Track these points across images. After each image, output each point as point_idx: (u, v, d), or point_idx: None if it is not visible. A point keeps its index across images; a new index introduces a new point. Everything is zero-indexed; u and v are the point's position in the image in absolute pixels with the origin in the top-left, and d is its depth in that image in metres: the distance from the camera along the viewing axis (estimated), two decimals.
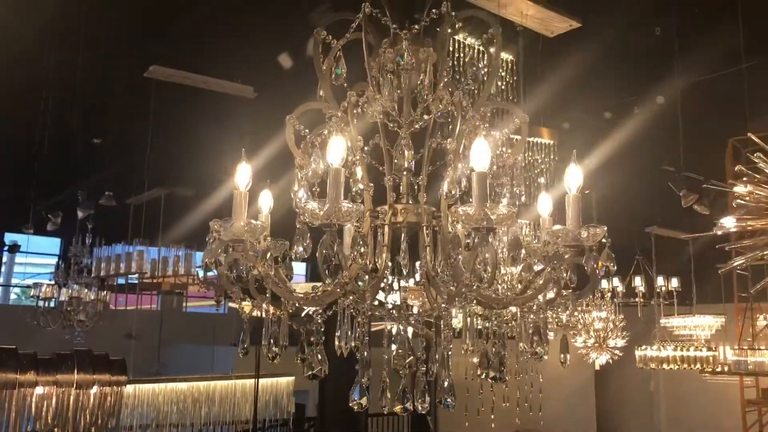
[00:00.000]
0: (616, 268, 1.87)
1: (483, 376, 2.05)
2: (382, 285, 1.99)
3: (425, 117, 1.98)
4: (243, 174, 1.97)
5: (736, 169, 4.16)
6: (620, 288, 10.42)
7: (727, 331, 11.39)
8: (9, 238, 14.87)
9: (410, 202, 2.06)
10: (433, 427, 14.18)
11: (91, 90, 7.96)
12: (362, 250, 1.77)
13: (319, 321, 2.00)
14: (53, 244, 16.52)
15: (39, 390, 4.61)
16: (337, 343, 1.89)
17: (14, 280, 18.57)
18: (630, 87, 9.17)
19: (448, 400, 1.98)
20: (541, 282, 1.90)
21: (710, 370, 10.58)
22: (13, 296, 18.85)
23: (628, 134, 9.15)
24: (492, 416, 5.29)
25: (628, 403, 16.01)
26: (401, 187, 2.09)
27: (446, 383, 1.95)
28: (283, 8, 6.58)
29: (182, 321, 17.17)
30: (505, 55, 5.68)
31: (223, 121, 8.28)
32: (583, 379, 15.43)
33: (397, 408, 1.99)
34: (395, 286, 2.07)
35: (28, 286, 16.98)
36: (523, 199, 2.07)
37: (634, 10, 7.95)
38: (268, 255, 1.99)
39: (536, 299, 1.96)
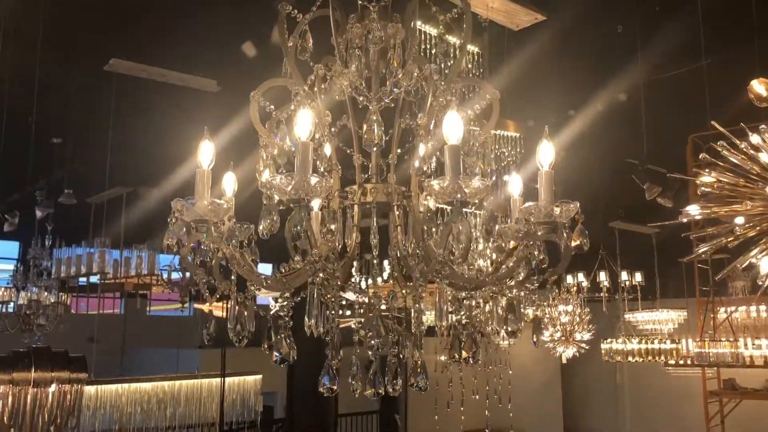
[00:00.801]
0: (589, 245, 1.84)
1: (455, 359, 2.01)
2: (351, 285, 1.94)
3: (395, 91, 1.92)
4: (206, 152, 1.90)
5: (700, 156, 4.20)
6: (585, 283, 10.54)
7: (690, 325, 11.62)
8: None
9: (380, 181, 2.02)
10: (402, 426, 14.17)
11: (51, 86, 7.74)
12: (332, 227, 1.71)
13: (286, 306, 1.93)
14: (11, 248, 16.10)
15: None
16: (306, 322, 1.82)
17: None
18: (594, 82, 9.26)
19: (420, 382, 1.94)
20: (514, 260, 1.87)
21: (673, 362, 10.79)
22: None
23: (591, 129, 9.25)
24: (462, 409, 5.27)
25: (594, 396, 16.21)
26: (371, 167, 2.04)
27: (418, 363, 1.91)
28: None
29: (146, 324, 16.83)
30: (471, 47, 5.67)
31: (186, 115, 8.13)
32: (549, 374, 15.58)
33: (368, 392, 1.94)
34: (363, 285, 2.01)
35: None
36: (494, 178, 2.03)
37: (597, 6, 8.03)
38: (233, 239, 1.93)
39: (509, 279, 1.92)
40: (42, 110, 8.18)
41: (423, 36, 5.27)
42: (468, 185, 1.64)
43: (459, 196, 1.61)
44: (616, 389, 16.01)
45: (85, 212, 9.91)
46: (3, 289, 10.40)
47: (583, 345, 9.51)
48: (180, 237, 1.86)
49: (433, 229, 1.83)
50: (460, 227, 1.64)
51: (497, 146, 5.95)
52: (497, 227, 1.81)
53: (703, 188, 3.97)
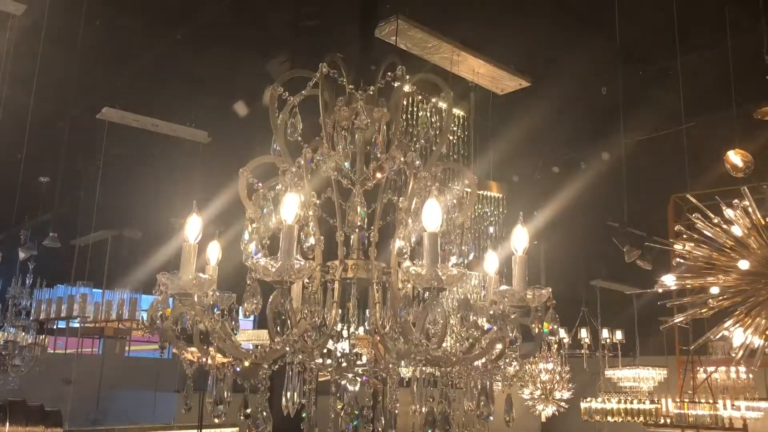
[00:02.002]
0: (559, 329, 1.91)
1: None
2: (332, 332, 1.99)
3: (378, 176, 2.01)
4: (193, 226, 1.96)
5: (676, 228, 4.32)
6: (566, 339, 10.58)
7: (669, 383, 11.63)
8: None
9: (361, 257, 2.09)
10: None
11: (41, 128, 7.81)
12: (312, 309, 1.77)
13: (264, 377, 1.98)
14: None
15: None
16: (284, 402, 1.86)
17: None
18: (577, 143, 9.47)
19: None
20: (487, 341, 1.93)
21: (653, 422, 10.76)
22: None
23: (575, 188, 9.42)
24: None
25: None
26: (352, 242, 2.11)
27: None
28: (239, 54, 6.63)
29: (124, 366, 16.58)
30: (457, 111, 5.82)
31: (175, 164, 8.22)
32: (531, 429, 15.43)
33: None
34: (344, 334, 2.07)
35: None
36: (471, 256, 2.11)
37: (582, 70, 8.26)
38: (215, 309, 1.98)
39: (483, 358, 1.98)
40: (31, 149, 8.25)
41: (410, 99, 5.42)
42: (444, 272, 1.71)
43: (436, 283, 1.68)
44: None
45: (68, 253, 9.88)
46: None
47: (563, 404, 9.51)
48: (163, 311, 1.91)
49: (411, 309, 1.89)
50: (438, 312, 1.70)
51: (480, 206, 6.08)
52: (470, 312, 1.88)
53: (678, 259, 4.08)
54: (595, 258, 10.98)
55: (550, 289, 1.93)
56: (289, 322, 1.74)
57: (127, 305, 9.09)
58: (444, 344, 2.04)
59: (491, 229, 6.46)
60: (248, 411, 2.04)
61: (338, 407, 1.93)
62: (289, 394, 1.88)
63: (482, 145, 6.57)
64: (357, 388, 1.98)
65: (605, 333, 11.00)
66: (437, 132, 2.15)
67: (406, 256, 1.95)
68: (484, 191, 6.34)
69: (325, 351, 1.99)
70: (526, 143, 8.26)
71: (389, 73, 2.09)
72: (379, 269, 2.06)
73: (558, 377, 9.58)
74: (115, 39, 6.34)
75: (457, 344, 1.98)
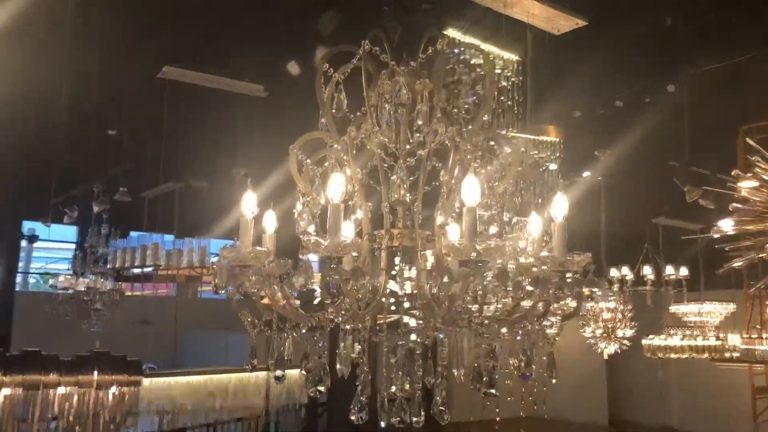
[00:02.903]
0: (622, 267, 1.99)
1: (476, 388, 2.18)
2: (394, 273, 2.13)
3: (419, 153, 2.09)
4: (249, 202, 2.11)
5: (733, 173, 4.24)
6: (629, 276, 10.50)
7: (736, 318, 11.45)
8: (27, 226, 15.13)
9: (407, 226, 2.19)
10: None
11: (107, 86, 8.11)
12: (361, 281, 1.90)
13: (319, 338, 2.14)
14: (71, 231, 16.77)
15: (61, 390, 4.85)
16: (338, 366, 2.02)
17: (35, 265, 18.95)
18: (638, 79, 9.18)
19: (445, 416, 2.13)
20: (530, 304, 2.03)
21: (719, 358, 10.67)
22: (32, 280, 19.24)
23: (637, 125, 9.19)
24: (497, 410, 5.41)
25: (640, 390, 16.00)
26: (398, 212, 2.21)
27: (440, 397, 2.09)
28: (295, 6, 6.67)
29: (198, 308, 17.39)
30: (511, 56, 5.75)
31: (234, 118, 8.43)
32: (594, 367, 15.43)
33: (394, 420, 2.13)
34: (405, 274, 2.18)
35: (47, 274, 17.34)
36: (514, 220, 2.19)
37: (644, 3, 7.96)
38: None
39: (526, 319, 2.08)
40: (99, 104, 8.58)
41: (462, 49, 5.39)
42: (483, 244, 1.80)
43: (474, 255, 1.77)
44: (663, 382, 15.81)
45: (139, 204, 10.36)
46: (64, 276, 10.96)
47: (625, 342, 9.54)
48: (226, 280, 2.08)
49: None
50: (476, 283, 1.80)
51: (536, 152, 6.05)
52: (508, 281, 1.96)
53: (736, 205, 4.02)
54: (658, 196, 10.77)
55: (590, 255, 2.00)
56: (340, 292, 1.88)
57: (196, 252, 9.53)
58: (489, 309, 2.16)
59: (553, 166, 6.42)
60: (308, 366, 2.22)
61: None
62: (341, 359, 2.04)
63: (540, 88, 6.48)
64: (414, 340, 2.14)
65: (669, 269, 10.85)
66: (477, 101, 2.20)
67: (448, 227, 2.05)
68: (540, 136, 6.30)
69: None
70: (586, 83, 8.09)
71: (430, 47, 2.14)
72: (423, 237, 2.16)
73: (620, 315, 9.58)
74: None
75: (500, 306, 2.08)
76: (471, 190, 1.83)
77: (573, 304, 2.19)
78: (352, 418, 2.15)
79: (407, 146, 2.11)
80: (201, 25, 6.82)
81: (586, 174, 10.55)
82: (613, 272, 10.38)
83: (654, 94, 9.63)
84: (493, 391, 2.00)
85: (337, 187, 1.84)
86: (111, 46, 7.49)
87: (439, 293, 2.01)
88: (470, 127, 2.17)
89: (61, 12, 6.65)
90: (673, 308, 11.20)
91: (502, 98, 5.59)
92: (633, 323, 9.61)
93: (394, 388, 1.94)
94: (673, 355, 10.22)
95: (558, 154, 6.20)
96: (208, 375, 6.48)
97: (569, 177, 9.60)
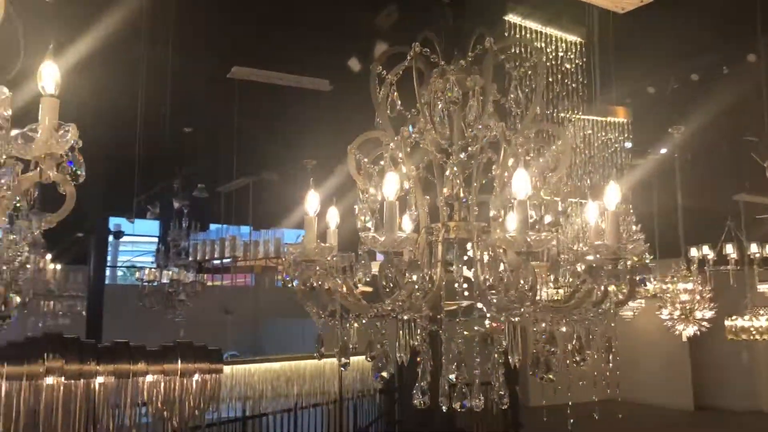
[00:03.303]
0: (653, 278, 2.02)
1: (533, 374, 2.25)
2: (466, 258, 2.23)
3: (469, 150, 2.17)
4: (312, 201, 2.23)
5: None
6: (711, 255, 10.17)
7: None
8: (113, 223, 15.95)
9: (462, 219, 2.27)
10: (524, 396, 14.37)
11: (181, 88, 8.46)
12: (419, 273, 1.99)
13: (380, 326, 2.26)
14: (154, 226, 17.56)
15: (149, 378, 5.20)
16: (397, 354, 2.13)
17: (122, 259, 19.94)
18: (711, 52, 8.86)
19: (504, 400, 2.21)
20: (584, 292, 2.08)
21: None
22: (119, 273, 20.27)
23: (711, 101, 8.88)
24: (569, 394, 5.43)
25: (727, 373, 15.35)
26: (454, 205, 2.30)
27: (497, 383, 2.18)
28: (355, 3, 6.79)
29: (275, 296, 17.91)
30: (574, 38, 5.68)
31: (302, 110, 8.64)
32: (677, 350, 14.96)
33: (456, 404, 2.23)
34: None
35: (133, 267, 18.23)
36: (569, 210, 2.23)
37: None
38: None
39: (581, 307, 2.13)
40: (174, 102, 8.97)
41: (524, 31, 5.38)
42: (535, 236, 1.86)
43: (525, 248, 1.84)
44: (750, 364, 15.17)
45: (216, 198, 10.78)
46: (149, 269, 11.52)
47: (705, 324, 9.27)
48: (294, 275, 2.22)
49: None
50: (527, 273, 1.87)
51: (604, 133, 5.97)
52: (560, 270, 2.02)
53: None
54: (738, 171, 10.37)
55: (643, 242, 2.03)
56: (397, 285, 1.98)
57: (272, 243, 9.87)
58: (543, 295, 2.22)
59: (629, 145, 6.32)
60: (372, 353, 2.34)
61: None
62: (401, 347, 2.15)
63: (606, 68, 6.37)
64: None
65: (754, 248, 10.44)
66: (529, 93, 2.25)
67: (500, 220, 2.12)
68: (608, 117, 6.21)
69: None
70: (655, 60, 7.87)
71: (478, 46, 2.20)
72: (479, 229, 2.24)
73: (698, 297, 9.31)
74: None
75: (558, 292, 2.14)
76: (521, 183, 1.90)
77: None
78: (415, 402, 2.26)
79: (460, 142, 2.19)
80: (266, 24, 7.03)
81: (662, 151, 10.28)
82: (694, 252, 10.08)
83: (731, 65, 9.27)
84: (550, 376, 2.06)
85: (391, 185, 1.94)
86: (184, 48, 7.81)
87: (494, 282, 2.09)
88: (522, 120, 2.23)
89: (139, 18, 6.98)
90: (761, 287, 10.77)
91: (566, 81, 5.54)
92: (712, 304, 9.32)
93: (453, 375, 2.03)
94: (758, 337, 9.86)
95: (627, 135, 6.09)
96: (286, 362, 6.75)
97: (643, 155, 9.38)
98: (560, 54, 5.48)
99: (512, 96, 2.18)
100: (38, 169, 1.57)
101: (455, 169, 2.16)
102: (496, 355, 2.23)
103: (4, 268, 3.71)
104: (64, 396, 4.84)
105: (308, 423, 7.87)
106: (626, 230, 5.46)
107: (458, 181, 2.15)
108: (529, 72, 2.35)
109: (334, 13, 6.67)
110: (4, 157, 1.46)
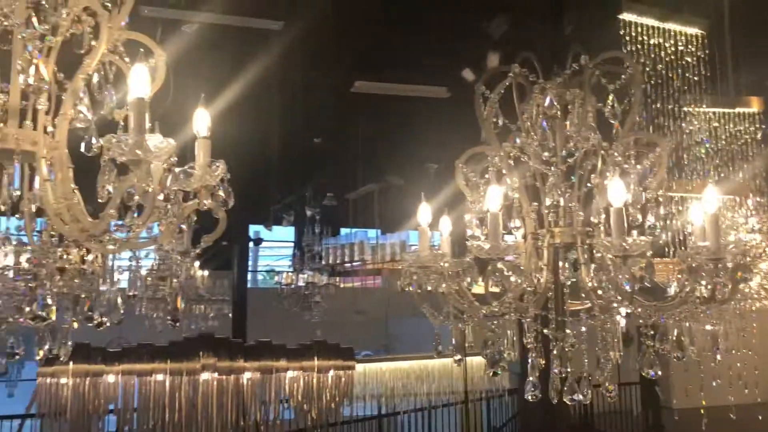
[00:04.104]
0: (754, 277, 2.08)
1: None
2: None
3: (569, 160, 2.32)
4: (424, 213, 2.47)
5: None
6: None
7: None
8: (253, 230, 17.03)
9: (567, 224, 2.42)
10: (666, 398, 13.79)
11: (308, 102, 8.99)
12: (522, 277, 2.18)
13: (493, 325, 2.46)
14: (289, 232, 18.54)
15: (290, 374, 5.70)
16: (506, 352, 2.33)
17: (261, 263, 21.20)
18: None
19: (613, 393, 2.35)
20: (686, 291, 2.17)
21: None
22: (260, 277, 21.55)
23: None
24: (702, 393, 5.35)
25: None
26: (558, 212, 2.45)
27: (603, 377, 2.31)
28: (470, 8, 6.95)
29: (403, 296, 18.28)
30: (694, 30, 5.55)
31: (420, 116, 8.92)
32: None
33: (566, 399, 2.39)
34: None
35: (272, 271, 19.33)
36: (660, 224, 2.32)
37: None
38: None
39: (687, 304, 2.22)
40: (304, 115, 9.53)
41: (640, 28, 5.33)
42: (631, 242, 2.00)
43: (621, 252, 1.98)
44: None
45: (345, 205, 11.31)
46: (286, 273, 12.27)
47: None
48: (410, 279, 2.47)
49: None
50: (625, 275, 2.01)
51: (733, 125, 5.76)
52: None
53: None
54: None
55: (747, 245, 2.09)
56: (504, 287, 2.18)
57: (398, 246, 10.25)
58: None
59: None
60: (487, 351, 2.55)
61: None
62: (508, 345, 2.34)
63: (733, 58, 6.13)
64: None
65: None
66: (627, 104, 2.36)
67: (600, 227, 2.25)
68: (738, 108, 5.98)
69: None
70: None
71: (574, 64, 2.35)
72: (582, 233, 2.38)
73: None
74: (356, 14, 7.09)
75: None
76: (617, 192, 2.03)
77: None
78: (527, 397, 2.44)
79: (561, 153, 2.34)
80: (385, 37, 7.36)
81: None
82: None
83: None
84: (651, 372, 2.17)
85: (494, 198, 2.14)
86: (312, 65, 8.30)
87: (597, 284, 2.23)
88: (621, 130, 2.35)
89: (274, 39, 7.52)
90: None
91: (687, 74, 5.43)
92: None
93: (562, 369, 2.20)
94: None
95: (759, 125, 5.85)
96: (415, 360, 7.04)
97: None
98: (680, 48, 5.38)
99: (609, 109, 2.30)
100: (196, 198, 1.92)
101: (557, 178, 2.32)
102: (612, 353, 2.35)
103: (175, 280, 4.28)
104: (217, 390, 5.42)
105: (441, 422, 8.12)
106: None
107: (560, 190, 2.31)
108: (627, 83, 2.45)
109: (450, 21, 6.86)
110: (174, 188, 1.81)
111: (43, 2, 1.83)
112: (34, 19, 1.86)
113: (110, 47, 1.98)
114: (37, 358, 1.93)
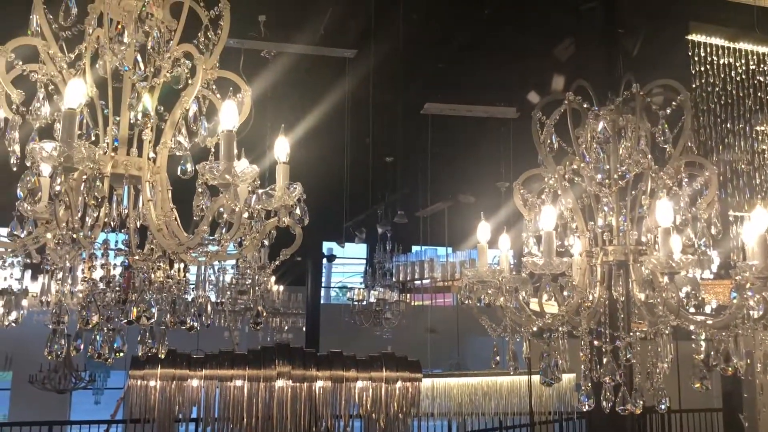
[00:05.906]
0: None
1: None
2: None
3: (621, 183, 2.45)
4: (483, 231, 2.65)
5: None
6: None
7: None
8: (326, 247, 17.45)
9: (618, 243, 2.55)
10: (752, 426, 13.23)
11: (381, 123, 9.27)
12: (574, 293, 2.32)
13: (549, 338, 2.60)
14: (361, 249, 18.89)
15: (360, 384, 5.94)
16: (558, 360, 2.47)
17: (334, 280, 21.64)
18: None
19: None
20: (733, 308, 2.26)
21: None
22: (333, 293, 22.00)
23: None
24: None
25: None
26: (612, 231, 2.58)
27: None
28: (537, 28, 7.08)
29: (474, 315, 18.25)
30: (765, 49, 5.51)
31: (490, 136, 9.06)
32: None
33: (621, 408, 2.50)
34: None
35: (344, 287, 19.72)
36: (709, 243, 2.41)
37: None
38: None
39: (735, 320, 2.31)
40: (377, 142, 9.83)
41: (709, 49, 5.35)
42: (678, 260, 2.12)
43: (668, 270, 2.11)
44: None
45: (415, 222, 11.50)
46: (358, 289, 12.54)
47: None
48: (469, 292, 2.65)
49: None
50: (672, 290, 2.13)
51: None
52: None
53: None
54: None
55: None
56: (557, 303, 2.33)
57: (468, 263, 10.32)
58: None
59: None
60: (542, 365, 2.69)
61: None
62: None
63: None
64: None
65: None
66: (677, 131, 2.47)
67: (647, 245, 2.38)
68: None
69: None
70: None
71: (625, 92, 2.49)
72: (634, 251, 2.50)
73: None
74: (424, 40, 7.35)
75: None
76: (664, 213, 2.16)
77: None
78: (584, 407, 2.56)
79: (615, 175, 2.48)
80: (454, 60, 7.57)
81: None
82: None
83: None
84: (697, 385, 2.27)
85: (548, 218, 2.30)
86: (384, 86, 8.60)
87: (649, 300, 2.35)
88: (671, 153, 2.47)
89: (346, 63, 7.86)
90: None
91: (759, 94, 5.39)
92: None
93: (608, 378, 2.32)
94: None
95: None
96: (483, 377, 7.11)
97: None
98: (752, 67, 5.35)
99: (660, 133, 2.43)
100: (276, 216, 2.17)
101: (610, 199, 2.46)
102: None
103: (257, 288, 4.64)
104: (291, 397, 5.71)
105: None
106: None
107: (613, 211, 2.45)
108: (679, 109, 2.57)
109: (519, 44, 7.01)
110: (258, 207, 2.07)
111: (149, 48, 2.12)
112: (139, 59, 2.18)
113: (203, 84, 2.26)
114: (139, 353, 2.21)
